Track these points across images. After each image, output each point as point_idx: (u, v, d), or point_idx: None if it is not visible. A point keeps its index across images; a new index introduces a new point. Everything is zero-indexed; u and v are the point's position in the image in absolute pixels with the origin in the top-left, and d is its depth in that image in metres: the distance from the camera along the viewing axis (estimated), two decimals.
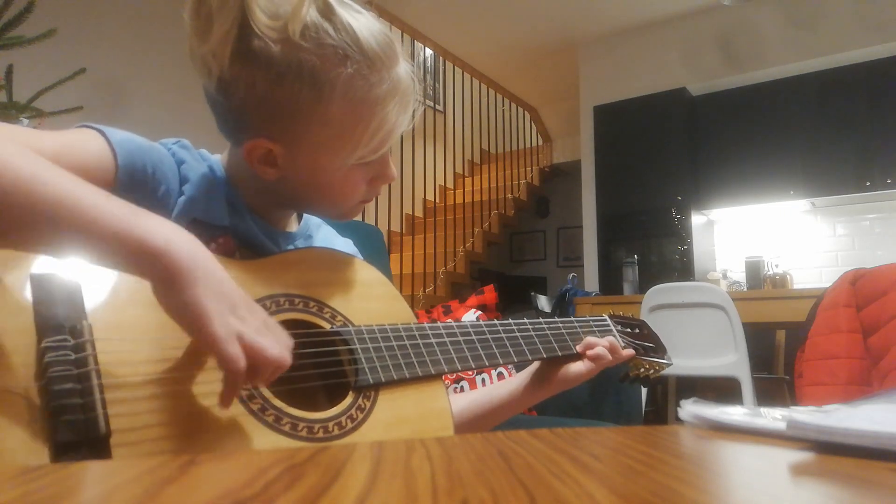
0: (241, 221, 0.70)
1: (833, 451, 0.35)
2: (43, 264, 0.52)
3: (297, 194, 0.72)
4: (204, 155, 0.73)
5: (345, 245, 0.86)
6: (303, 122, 0.64)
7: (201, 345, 0.50)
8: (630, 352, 0.90)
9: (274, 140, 0.65)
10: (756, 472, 0.34)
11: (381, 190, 0.75)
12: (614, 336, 0.92)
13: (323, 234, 0.84)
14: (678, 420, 0.48)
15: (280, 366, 0.52)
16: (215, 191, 0.69)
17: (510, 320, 0.82)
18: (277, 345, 0.52)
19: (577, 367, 0.85)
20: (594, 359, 0.85)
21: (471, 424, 0.87)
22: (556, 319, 0.88)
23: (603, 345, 0.86)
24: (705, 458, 0.38)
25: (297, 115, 0.63)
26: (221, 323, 0.49)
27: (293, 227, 0.80)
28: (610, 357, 0.86)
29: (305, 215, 0.83)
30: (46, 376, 0.48)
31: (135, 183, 0.62)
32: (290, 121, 0.64)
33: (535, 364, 0.88)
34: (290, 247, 0.77)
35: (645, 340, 0.98)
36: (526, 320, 0.84)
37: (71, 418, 0.47)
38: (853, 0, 4.01)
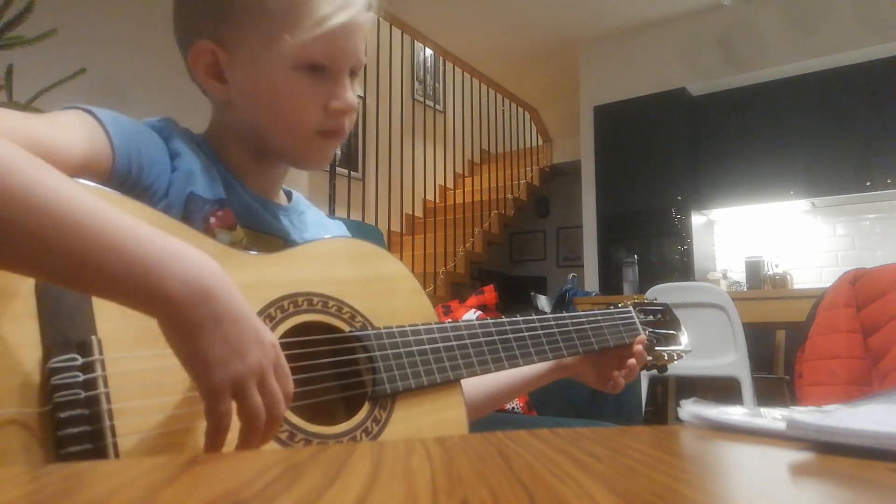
0: (235, 193, 0.69)
1: (833, 451, 0.35)
2: None
3: (253, 122, 0.70)
4: (189, 130, 0.72)
5: (336, 226, 0.85)
6: (241, 15, 0.66)
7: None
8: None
9: (217, 42, 0.67)
10: (756, 472, 0.34)
11: (347, 124, 0.71)
12: (639, 330, 0.93)
13: (314, 212, 0.83)
14: (678, 420, 0.48)
15: (272, 430, 0.50)
16: (207, 163, 0.68)
17: (532, 315, 0.80)
18: (276, 404, 0.50)
19: (604, 383, 0.90)
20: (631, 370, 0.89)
21: (512, 392, 0.90)
22: (580, 313, 0.86)
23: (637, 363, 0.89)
24: (705, 458, 0.38)
25: (233, 5, 0.66)
26: (221, 375, 0.46)
27: (284, 201, 0.78)
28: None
29: (295, 193, 0.81)
30: (53, 402, 0.45)
31: (131, 167, 0.60)
32: (227, 15, 0.66)
33: None
34: (286, 219, 0.75)
35: (666, 328, 0.97)
36: (549, 315, 0.82)
37: (78, 449, 0.44)
38: (853, 0, 4.01)
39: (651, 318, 0.97)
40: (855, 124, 3.94)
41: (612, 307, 0.94)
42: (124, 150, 0.60)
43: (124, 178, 0.60)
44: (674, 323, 0.99)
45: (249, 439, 0.49)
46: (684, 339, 0.97)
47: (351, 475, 0.29)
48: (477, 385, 0.86)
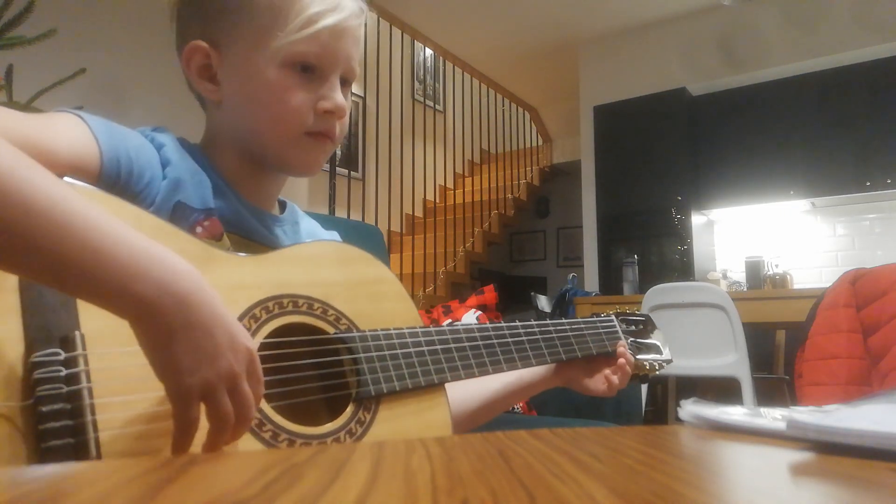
0: (227, 202, 0.69)
1: (833, 451, 0.35)
2: None
3: (244, 123, 0.70)
4: (185, 140, 0.72)
5: (330, 237, 0.84)
6: (231, 15, 0.68)
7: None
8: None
9: (209, 42, 0.68)
10: (756, 472, 0.34)
11: (337, 128, 0.71)
12: (621, 338, 0.94)
13: (309, 223, 0.83)
14: (678, 420, 0.48)
15: (239, 432, 0.50)
16: (199, 173, 0.68)
17: (517, 322, 0.81)
18: (247, 408, 0.50)
19: (596, 386, 0.89)
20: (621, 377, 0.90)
21: (501, 403, 0.90)
22: (564, 321, 0.87)
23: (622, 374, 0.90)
24: (705, 458, 0.38)
25: (225, 4, 0.68)
26: (189, 382, 0.46)
27: (279, 212, 0.78)
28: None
29: (290, 204, 0.81)
30: (34, 395, 0.45)
31: (120, 173, 0.60)
32: (219, 15, 0.68)
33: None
34: (279, 230, 0.75)
35: (648, 338, 0.98)
36: (533, 322, 0.83)
37: (59, 443, 0.44)
38: (853, 0, 4.01)
39: (633, 328, 0.98)
40: (855, 124, 3.94)
41: (594, 316, 0.96)
42: (112, 155, 0.60)
43: (111, 183, 0.60)
44: (655, 333, 1.00)
45: (217, 441, 0.49)
46: (666, 349, 0.98)
47: (351, 475, 0.29)
48: (468, 395, 0.87)
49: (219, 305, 0.49)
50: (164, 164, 0.66)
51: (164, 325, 0.45)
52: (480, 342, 0.75)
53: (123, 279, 0.44)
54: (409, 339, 0.68)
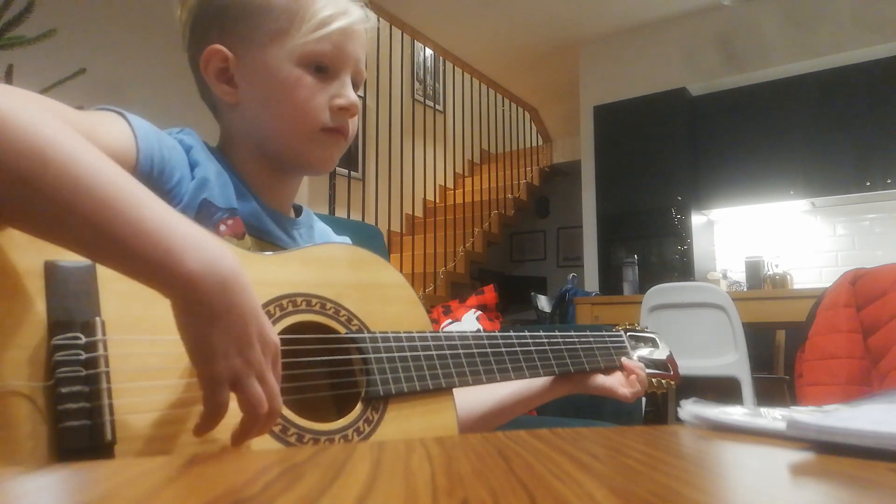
0: (248, 205, 0.71)
1: (833, 451, 0.35)
2: (59, 250, 0.48)
3: (261, 123, 0.72)
4: (205, 142, 0.74)
5: (342, 241, 0.86)
6: (249, 17, 0.70)
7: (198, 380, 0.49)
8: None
9: (226, 45, 0.70)
10: (756, 472, 0.34)
11: (350, 124, 0.74)
12: (628, 354, 0.94)
13: (322, 227, 0.85)
14: (678, 420, 0.48)
15: (270, 422, 0.51)
16: (222, 174, 0.70)
17: (525, 332, 0.82)
18: (275, 398, 0.51)
19: (612, 382, 0.89)
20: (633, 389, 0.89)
21: (510, 410, 0.90)
22: (572, 333, 0.88)
23: (640, 385, 0.90)
24: (705, 458, 0.38)
25: (242, 10, 0.70)
26: (222, 367, 0.47)
27: (293, 216, 0.80)
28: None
29: (305, 208, 0.83)
30: (54, 377, 0.46)
31: (153, 170, 0.63)
32: (237, 20, 0.70)
33: None
34: (296, 232, 0.77)
35: (655, 356, 0.99)
36: (541, 332, 0.84)
37: (76, 424, 0.46)
38: (853, 0, 4.01)
39: (641, 344, 0.99)
40: (855, 124, 3.94)
41: (604, 331, 0.96)
42: (148, 152, 0.62)
43: (143, 179, 0.61)
44: (664, 351, 1.01)
45: (248, 429, 0.50)
46: (675, 368, 0.99)
47: (351, 475, 0.29)
48: (478, 400, 0.87)
49: (254, 294, 0.50)
50: (193, 165, 0.68)
51: (207, 306, 0.47)
52: (489, 349, 0.76)
53: (172, 255, 0.46)
54: (418, 343, 0.69)
